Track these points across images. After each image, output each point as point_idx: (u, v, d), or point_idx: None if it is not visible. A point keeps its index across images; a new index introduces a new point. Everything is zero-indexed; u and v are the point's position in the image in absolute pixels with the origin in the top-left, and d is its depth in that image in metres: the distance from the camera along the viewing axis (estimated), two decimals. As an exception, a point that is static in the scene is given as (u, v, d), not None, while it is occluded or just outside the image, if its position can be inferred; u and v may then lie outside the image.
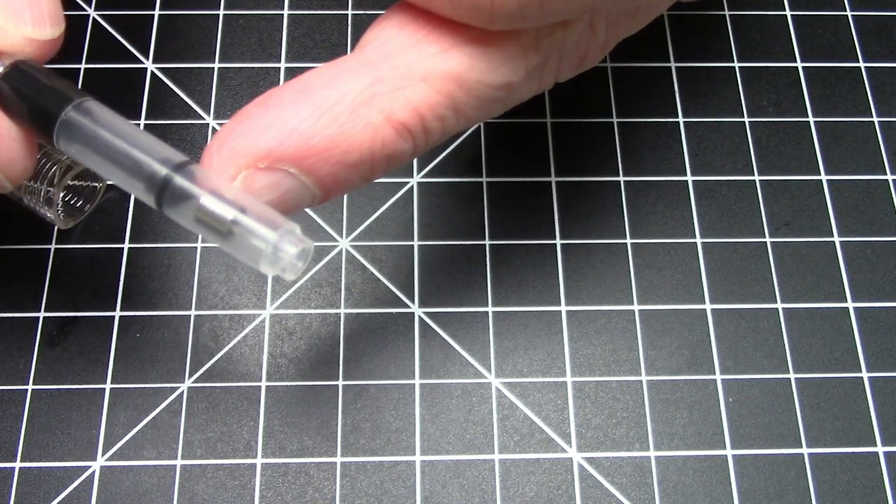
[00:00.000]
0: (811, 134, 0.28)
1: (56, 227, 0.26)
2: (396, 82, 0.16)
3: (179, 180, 0.16)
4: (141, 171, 0.16)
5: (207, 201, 0.16)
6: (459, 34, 0.16)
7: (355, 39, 0.29)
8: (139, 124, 0.27)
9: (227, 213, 0.16)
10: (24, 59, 0.18)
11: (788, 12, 0.30)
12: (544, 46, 0.17)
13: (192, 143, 0.27)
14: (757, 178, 0.27)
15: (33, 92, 0.17)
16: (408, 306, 0.25)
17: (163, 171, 0.16)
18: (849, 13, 0.30)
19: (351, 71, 0.16)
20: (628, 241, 0.26)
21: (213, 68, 0.28)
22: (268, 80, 0.28)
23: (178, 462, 0.23)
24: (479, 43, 0.16)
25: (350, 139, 0.16)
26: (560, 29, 0.17)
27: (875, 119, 0.28)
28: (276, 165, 0.16)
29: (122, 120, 0.17)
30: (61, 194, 0.24)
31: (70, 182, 0.24)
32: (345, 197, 0.26)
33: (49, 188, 0.24)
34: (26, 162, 0.18)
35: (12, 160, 0.18)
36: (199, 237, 0.26)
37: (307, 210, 0.26)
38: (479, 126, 0.27)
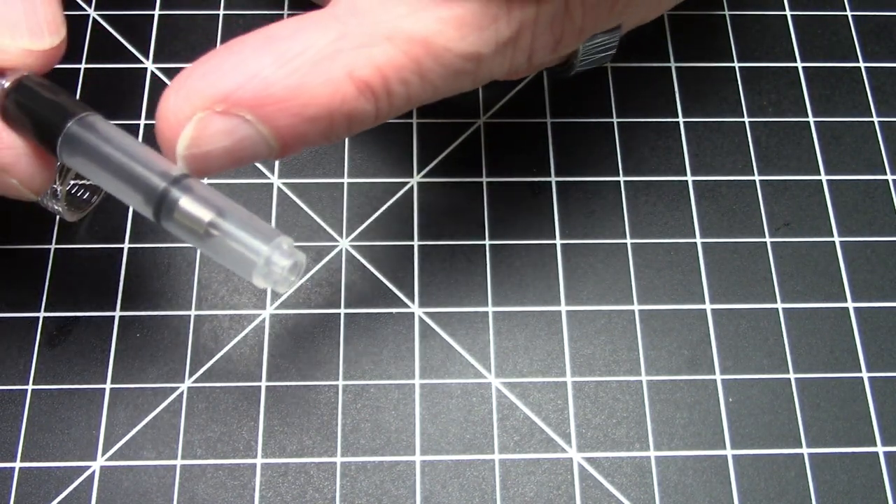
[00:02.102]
0: (811, 134, 0.28)
1: (56, 228, 0.26)
2: (361, 39, 0.16)
3: (176, 193, 0.16)
4: (140, 185, 0.17)
5: (187, 203, 0.16)
6: None
7: (355, 39, 0.29)
8: (139, 124, 0.27)
9: (205, 215, 0.16)
10: (28, 74, 0.18)
11: (788, 12, 0.30)
12: (514, 18, 0.17)
13: (192, 143, 0.27)
14: (757, 178, 0.27)
15: (37, 107, 0.17)
16: (408, 306, 0.25)
17: (161, 184, 0.16)
18: (849, 13, 0.30)
19: (317, 24, 0.16)
20: (628, 241, 0.26)
21: (213, 68, 0.28)
22: (268, 80, 0.28)
23: (178, 462, 0.23)
24: (446, 4, 0.16)
25: (310, 92, 0.16)
26: (532, 3, 0.17)
27: (875, 119, 0.28)
28: (233, 111, 0.16)
29: (123, 134, 0.18)
30: (67, 188, 0.24)
31: (74, 176, 0.24)
32: (345, 197, 0.26)
33: (54, 182, 0.24)
34: (45, 174, 0.18)
35: (31, 175, 0.18)
36: (199, 237, 0.26)
37: (306, 209, 0.26)
38: (480, 125, 0.27)
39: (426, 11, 0.16)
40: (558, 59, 0.21)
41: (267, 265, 0.16)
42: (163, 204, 0.16)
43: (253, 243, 0.16)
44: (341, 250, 0.26)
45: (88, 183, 0.26)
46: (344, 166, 0.27)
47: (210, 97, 0.16)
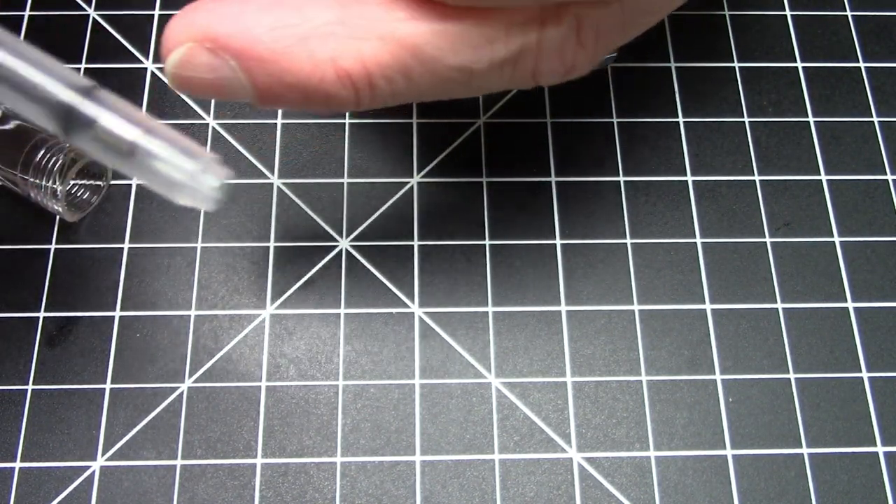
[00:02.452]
0: (811, 134, 0.28)
1: (56, 228, 0.26)
2: (355, 31, 0.17)
3: (87, 104, 0.16)
4: (45, 97, 0.16)
5: (109, 121, 0.16)
6: (428, 6, 0.17)
7: (355, 39, 0.29)
8: (139, 124, 0.27)
9: (130, 132, 0.16)
10: None
11: (788, 12, 0.30)
12: (514, 42, 0.17)
13: (192, 143, 0.27)
14: (757, 178, 0.27)
15: None
16: (408, 306, 0.25)
17: (70, 95, 0.16)
18: (849, 13, 0.30)
19: (323, 4, 0.17)
20: (628, 241, 0.26)
21: (213, 68, 0.28)
22: (268, 80, 0.28)
23: (178, 462, 0.23)
24: (443, 19, 0.17)
25: (290, 62, 0.16)
26: (535, 27, 0.17)
27: (875, 119, 0.28)
28: (219, 52, 0.16)
29: (29, 47, 0.16)
30: (67, 188, 0.24)
31: (75, 176, 0.24)
32: (345, 197, 0.26)
33: (54, 183, 0.24)
34: None
35: None
36: (200, 237, 0.26)
37: (306, 209, 0.26)
38: (479, 126, 0.27)
39: (423, 21, 0.17)
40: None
41: (194, 182, 0.16)
42: (75, 117, 0.16)
43: (179, 161, 0.16)
44: (341, 250, 0.26)
45: (88, 183, 0.26)
46: (344, 166, 0.27)
47: (202, 34, 0.17)
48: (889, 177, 0.27)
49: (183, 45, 0.17)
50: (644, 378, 0.24)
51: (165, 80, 0.17)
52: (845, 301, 0.25)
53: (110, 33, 0.28)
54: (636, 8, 0.18)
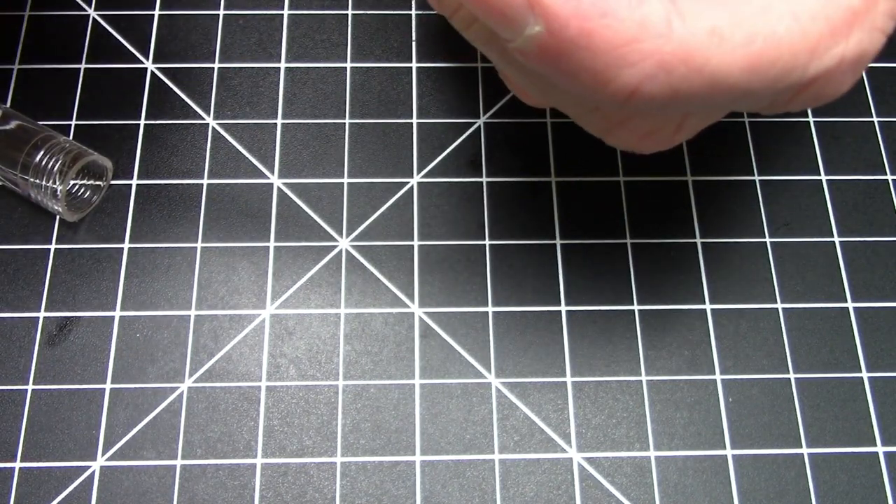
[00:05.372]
0: (811, 134, 0.28)
1: (56, 228, 0.26)
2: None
3: None
4: None
5: None
6: None
7: (355, 39, 0.29)
8: (139, 124, 0.27)
9: None
10: None
11: (788, 12, 0.30)
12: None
13: (192, 142, 0.27)
14: (757, 178, 0.27)
15: None
16: (408, 306, 0.25)
17: None
18: (849, 13, 0.30)
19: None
20: (628, 241, 0.26)
21: (213, 68, 0.28)
22: (268, 79, 0.28)
23: (178, 462, 0.23)
24: None
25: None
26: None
27: (875, 119, 0.28)
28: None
29: None
30: (67, 188, 0.24)
31: (75, 176, 0.24)
32: (345, 197, 0.26)
33: (54, 183, 0.24)
34: None
35: None
36: (200, 237, 0.26)
37: (306, 209, 0.26)
38: (480, 126, 0.27)
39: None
40: None
41: None
42: None
43: None
44: (341, 250, 0.26)
45: (88, 183, 0.26)
46: (344, 166, 0.27)
47: None
48: (889, 177, 0.27)
49: None
50: (644, 378, 0.24)
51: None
52: (845, 301, 0.25)
53: (110, 33, 0.28)
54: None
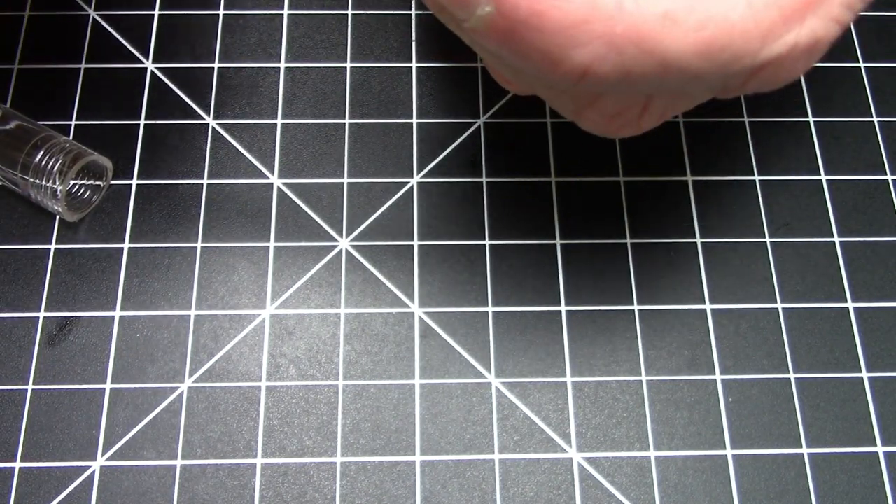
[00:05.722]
0: (811, 134, 0.28)
1: (56, 228, 0.26)
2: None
3: None
4: None
5: None
6: None
7: (355, 39, 0.29)
8: (139, 124, 0.27)
9: None
10: None
11: (788, 12, 0.30)
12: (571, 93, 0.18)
13: (191, 143, 0.27)
14: (757, 178, 0.27)
15: None
16: (408, 306, 0.25)
17: None
18: (849, 13, 0.30)
19: None
20: (628, 241, 0.26)
21: (213, 68, 0.28)
22: (268, 79, 0.28)
23: (178, 462, 0.23)
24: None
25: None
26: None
27: (875, 119, 0.28)
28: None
29: None
30: (67, 188, 0.24)
31: (75, 176, 0.24)
32: (345, 197, 0.26)
33: (54, 183, 0.24)
34: None
35: None
36: (200, 237, 0.26)
37: (306, 209, 0.26)
38: (480, 125, 0.27)
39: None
40: None
41: None
42: None
43: None
44: (341, 250, 0.26)
45: (88, 183, 0.26)
46: (344, 166, 0.27)
47: None
48: (889, 177, 0.27)
49: None
50: (644, 378, 0.24)
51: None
52: (845, 301, 0.25)
53: (110, 33, 0.28)
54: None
